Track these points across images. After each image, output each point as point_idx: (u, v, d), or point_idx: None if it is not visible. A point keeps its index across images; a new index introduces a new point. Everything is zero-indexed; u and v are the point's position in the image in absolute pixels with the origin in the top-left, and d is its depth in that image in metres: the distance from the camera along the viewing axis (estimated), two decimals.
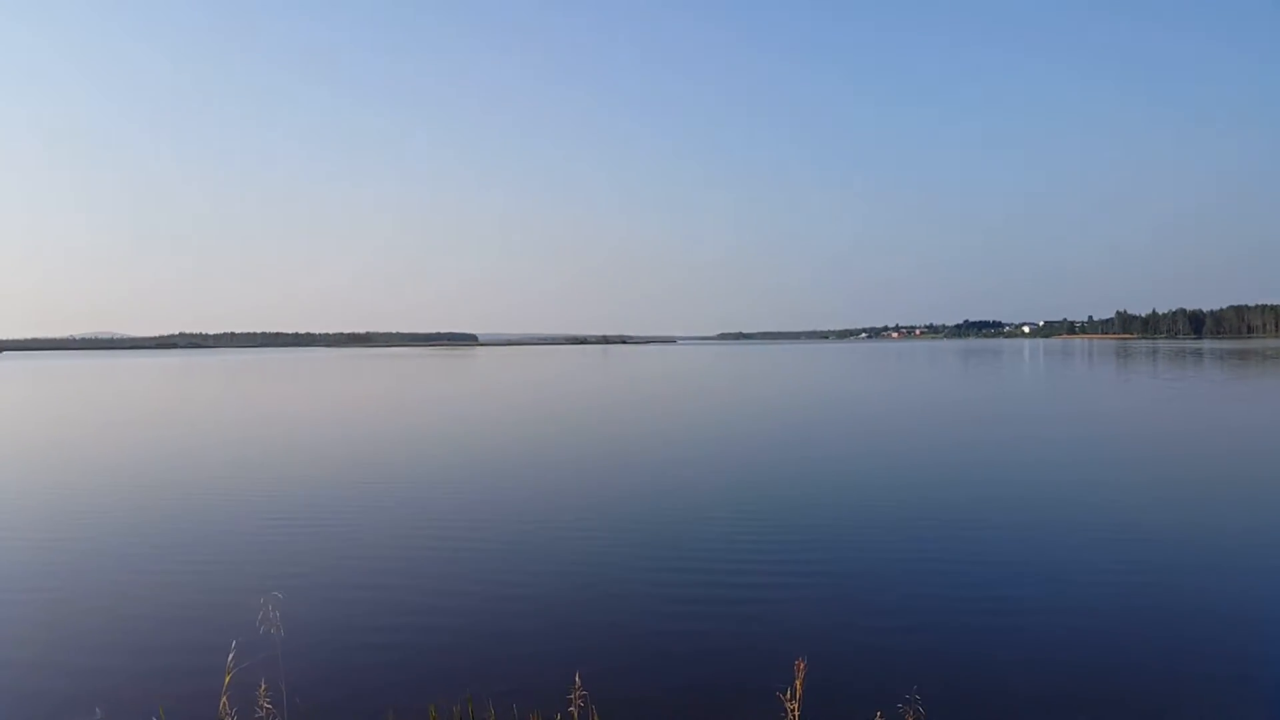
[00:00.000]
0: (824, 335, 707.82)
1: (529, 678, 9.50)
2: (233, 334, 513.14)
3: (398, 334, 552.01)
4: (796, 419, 40.63)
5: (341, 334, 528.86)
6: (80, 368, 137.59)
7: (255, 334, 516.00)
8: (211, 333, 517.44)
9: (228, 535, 16.77)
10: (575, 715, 6.57)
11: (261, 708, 6.39)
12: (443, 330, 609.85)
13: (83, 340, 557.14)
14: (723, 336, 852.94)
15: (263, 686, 6.45)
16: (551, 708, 6.80)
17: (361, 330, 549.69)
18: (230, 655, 6.64)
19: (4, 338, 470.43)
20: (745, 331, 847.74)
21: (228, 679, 6.51)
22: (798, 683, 6.09)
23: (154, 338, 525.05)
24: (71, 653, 10.31)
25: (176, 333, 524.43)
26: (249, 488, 22.30)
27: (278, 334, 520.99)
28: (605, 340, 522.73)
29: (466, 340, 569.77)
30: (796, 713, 6.08)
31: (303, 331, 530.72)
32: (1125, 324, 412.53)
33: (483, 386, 73.60)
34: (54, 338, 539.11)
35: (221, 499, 20.66)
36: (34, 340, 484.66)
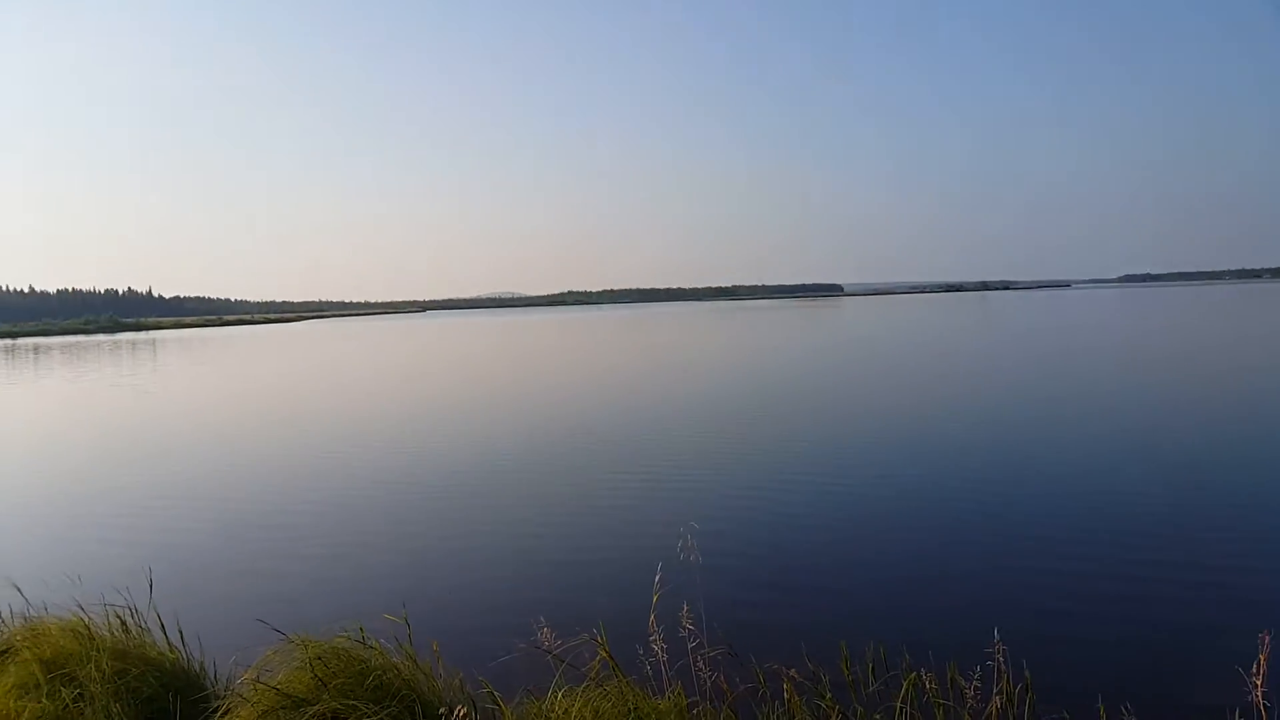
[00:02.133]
0: (1256, 274, 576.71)
1: (942, 628, 9.49)
2: (612, 290, 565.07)
3: (761, 286, 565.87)
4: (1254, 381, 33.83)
5: (709, 288, 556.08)
6: (503, 323, 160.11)
7: (631, 290, 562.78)
8: (594, 290, 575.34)
9: (651, 472, 18.55)
10: (997, 668, 6.46)
11: (684, 627, 7.01)
12: (806, 282, 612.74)
13: (488, 299, 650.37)
14: (1126, 279, 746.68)
15: (685, 608, 7.08)
16: (968, 660, 6.71)
17: (727, 284, 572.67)
18: (656, 577, 7.41)
19: (424, 298, 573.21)
20: (1154, 272, 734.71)
21: (655, 598, 7.25)
22: (1262, 657, 5.41)
23: (546, 296, 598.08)
24: (526, 574, 12.28)
25: (565, 291, 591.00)
26: (672, 428, 24.51)
27: (651, 289, 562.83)
28: (985, 287, 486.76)
29: (831, 291, 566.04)
30: (1261, 690, 5.41)
31: (673, 287, 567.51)
32: None
33: (872, 336, 72.65)
34: (463, 297, 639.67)
35: (648, 440, 22.88)
36: (447, 300, 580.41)
